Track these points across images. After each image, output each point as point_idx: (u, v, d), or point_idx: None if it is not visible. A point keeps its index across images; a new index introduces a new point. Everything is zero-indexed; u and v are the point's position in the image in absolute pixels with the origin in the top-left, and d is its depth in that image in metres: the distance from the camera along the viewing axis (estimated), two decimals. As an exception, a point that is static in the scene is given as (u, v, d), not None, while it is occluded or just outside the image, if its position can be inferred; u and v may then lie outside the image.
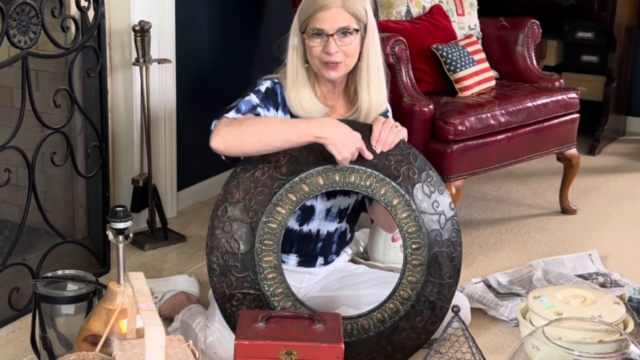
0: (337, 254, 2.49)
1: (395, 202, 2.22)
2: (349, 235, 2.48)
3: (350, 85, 2.34)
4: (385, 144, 2.23)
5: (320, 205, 2.34)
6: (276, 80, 2.31)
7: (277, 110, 2.29)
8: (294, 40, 2.29)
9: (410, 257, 2.23)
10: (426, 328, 2.25)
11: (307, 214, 2.34)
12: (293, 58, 2.29)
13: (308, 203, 2.31)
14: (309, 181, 2.19)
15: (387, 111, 2.43)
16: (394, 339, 2.24)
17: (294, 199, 2.18)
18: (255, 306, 2.19)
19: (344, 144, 2.14)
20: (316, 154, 2.19)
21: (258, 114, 2.23)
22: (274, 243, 2.18)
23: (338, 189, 2.22)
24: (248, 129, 2.14)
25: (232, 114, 2.19)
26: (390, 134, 2.24)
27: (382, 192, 2.22)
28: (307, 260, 2.42)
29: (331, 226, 2.39)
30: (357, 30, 2.24)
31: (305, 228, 2.37)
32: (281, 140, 2.15)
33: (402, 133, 2.27)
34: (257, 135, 2.14)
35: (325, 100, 2.34)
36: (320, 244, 2.41)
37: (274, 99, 2.29)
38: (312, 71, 2.31)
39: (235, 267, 2.18)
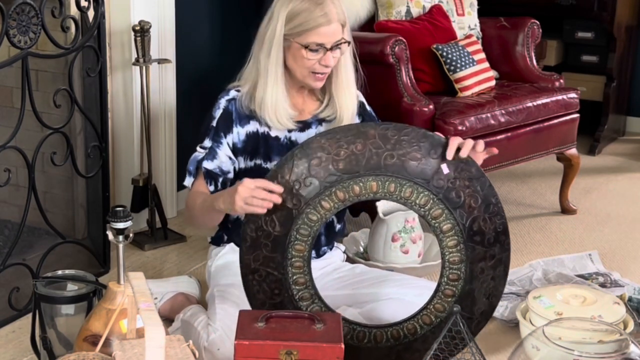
0: (329, 245, 2.51)
1: (446, 228, 2.16)
2: (337, 227, 2.50)
3: None
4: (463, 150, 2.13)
5: None
6: (231, 96, 2.37)
7: (231, 131, 2.36)
8: (277, 43, 2.29)
9: (443, 286, 2.19)
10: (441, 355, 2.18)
11: None
12: (276, 61, 2.30)
13: None
14: (363, 184, 2.14)
15: (363, 102, 2.49)
16: (405, 356, 2.22)
17: (342, 197, 2.15)
18: (274, 287, 2.20)
19: (230, 199, 2.12)
20: (380, 158, 2.14)
21: (206, 170, 2.34)
22: (309, 234, 2.17)
23: (390, 200, 2.18)
24: (190, 214, 2.39)
25: (185, 181, 2.39)
26: (465, 148, 2.15)
27: (435, 215, 2.15)
28: None
29: None
30: (347, 42, 2.30)
31: None
32: (213, 220, 2.37)
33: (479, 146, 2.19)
34: (195, 218, 2.38)
35: (296, 102, 2.39)
36: None
37: (229, 123, 2.36)
38: (286, 75, 2.34)
39: (266, 245, 2.18)
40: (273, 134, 2.37)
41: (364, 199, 2.17)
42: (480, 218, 2.15)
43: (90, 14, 2.69)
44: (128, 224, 2.03)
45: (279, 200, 2.11)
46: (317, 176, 2.14)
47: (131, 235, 2.06)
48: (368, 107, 2.51)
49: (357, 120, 2.44)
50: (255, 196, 2.08)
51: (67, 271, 2.28)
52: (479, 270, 2.17)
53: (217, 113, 2.36)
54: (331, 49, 2.27)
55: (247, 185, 2.09)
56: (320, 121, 2.40)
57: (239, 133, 2.36)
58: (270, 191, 2.10)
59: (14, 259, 2.56)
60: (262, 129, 2.37)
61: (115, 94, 3.16)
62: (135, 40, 3.00)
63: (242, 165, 2.39)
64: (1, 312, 2.55)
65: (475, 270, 2.17)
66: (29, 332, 2.27)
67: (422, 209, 2.15)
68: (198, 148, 2.37)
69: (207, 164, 2.35)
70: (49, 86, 2.87)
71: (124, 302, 1.98)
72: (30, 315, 2.27)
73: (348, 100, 2.38)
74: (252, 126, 2.37)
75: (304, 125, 2.39)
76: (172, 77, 3.31)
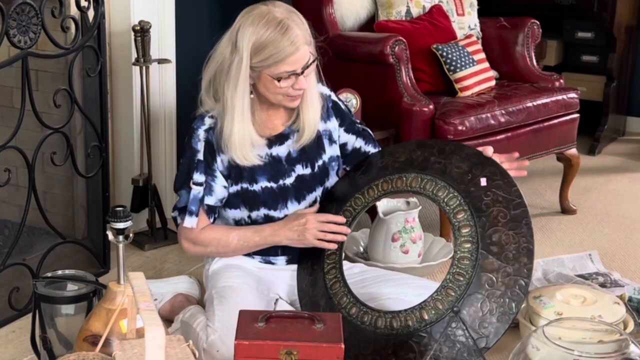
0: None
1: (464, 230, 2.21)
2: None
3: None
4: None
5: (280, 214, 2.40)
6: (207, 125, 2.34)
7: (217, 160, 2.34)
8: (243, 78, 2.25)
9: (447, 283, 2.18)
10: None
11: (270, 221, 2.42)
12: (243, 96, 2.27)
13: (280, 214, 2.40)
14: (405, 179, 2.35)
15: (335, 101, 2.48)
16: (400, 354, 2.20)
17: (386, 187, 2.37)
18: (314, 264, 2.39)
19: (299, 237, 2.33)
20: (428, 162, 2.34)
21: (208, 206, 2.35)
22: (351, 215, 2.38)
23: (423, 196, 2.32)
24: (214, 251, 2.40)
25: (187, 222, 2.34)
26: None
27: (458, 217, 2.23)
28: (295, 257, 2.47)
29: None
30: (315, 59, 2.29)
31: None
32: (243, 252, 2.41)
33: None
34: (222, 254, 2.42)
35: (267, 116, 2.38)
36: None
37: (212, 153, 2.34)
38: (254, 98, 2.33)
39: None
40: None
41: (402, 191, 2.37)
42: (502, 232, 2.19)
43: (90, 14, 2.69)
44: (128, 224, 2.03)
45: (348, 231, 2.34)
46: (374, 169, 2.41)
47: (131, 235, 2.06)
48: (343, 105, 2.50)
49: (320, 127, 2.43)
50: (325, 231, 2.31)
51: (67, 271, 2.28)
52: (488, 280, 2.15)
53: (200, 145, 2.33)
54: (304, 72, 2.25)
55: (314, 222, 2.31)
56: (293, 131, 2.40)
57: (222, 161, 2.35)
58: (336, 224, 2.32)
59: (14, 259, 2.56)
60: None
61: (115, 94, 3.16)
62: (135, 40, 3.00)
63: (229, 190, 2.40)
64: (1, 312, 2.55)
65: (483, 279, 2.15)
66: (29, 332, 2.27)
67: (447, 207, 2.26)
68: (192, 185, 2.33)
69: (209, 200, 2.35)
70: (49, 86, 2.87)
71: (124, 302, 1.98)
72: (30, 315, 2.27)
73: (311, 114, 2.36)
74: None
75: (281, 137, 2.39)
76: (172, 77, 3.31)
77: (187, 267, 2.99)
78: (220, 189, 2.36)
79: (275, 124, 2.40)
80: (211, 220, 2.38)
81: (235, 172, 2.36)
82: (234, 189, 2.37)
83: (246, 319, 2.02)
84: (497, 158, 2.34)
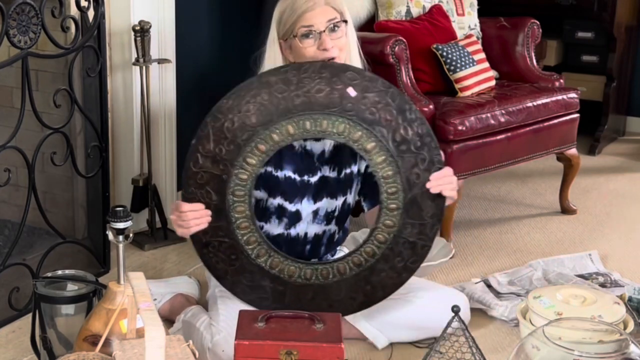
0: (329, 253, 2.50)
1: (369, 147, 2.20)
2: (336, 237, 2.48)
3: None
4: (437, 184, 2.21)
5: (306, 209, 2.36)
6: None
7: None
8: (272, 49, 2.30)
9: (386, 202, 2.23)
10: (407, 267, 2.27)
11: (293, 218, 2.37)
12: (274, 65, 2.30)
13: (293, 208, 2.35)
14: (279, 130, 2.18)
15: None
16: (373, 279, 2.27)
17: (264, 148, 2.19)
18: (230, 253, 2.23)
19: (184, 229, 2.19)
20: (288, 101, 2.17)
21: None
22: (244, 193, 2.20)
23: (310, 137, 2.21)
24: None
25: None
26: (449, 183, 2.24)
27: (355, 138, 2.20)
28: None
29: (319, 229, 2.40)
30: (344, 22, 2.28)
31: (292, 232, 2.40)
32: None
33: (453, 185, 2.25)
34: None
35: None
36: (309, 247, 2.42)
37: None
38: None
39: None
40: None
41: (287, 143, 2.20)
42: (400, 128, 2.20)
43: (90, 14, 2.69)
44: (128, 224, 2.03)
45: (208, 213, 2.18)
46: (235, 136, 2.17)
47: (131, 235, 2.06)
48: None
49: None
50: (186, 220, 2.16)
51: (67, 271, 2.28)
52: (415, 176, 2.21)
53: None
54: (326, 31, 2.24)
55: (172, 217, 2.20)
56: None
57: None
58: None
59: (14, 259, 2.56)
60: None
61: (115, 94, 3.16)
62: (135, 40, 3.00)
63: None
64: (1, 312, 2.55)
65: (411, 178, 2.21)
66: (29, 332, 2.27)
67: (342, 136, 2.20)
68: None
69: None
70: (49, 86, 2.87)
71: (124, 302, 1.98)
72: (30, 315, 2.27)
73: None
74: None
75: None
76: (172, 77, 3.31)
77: (187, 267, 2.99)
78: None
79: None
80: None
81: None
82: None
83: (246, 319, 2.02)
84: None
